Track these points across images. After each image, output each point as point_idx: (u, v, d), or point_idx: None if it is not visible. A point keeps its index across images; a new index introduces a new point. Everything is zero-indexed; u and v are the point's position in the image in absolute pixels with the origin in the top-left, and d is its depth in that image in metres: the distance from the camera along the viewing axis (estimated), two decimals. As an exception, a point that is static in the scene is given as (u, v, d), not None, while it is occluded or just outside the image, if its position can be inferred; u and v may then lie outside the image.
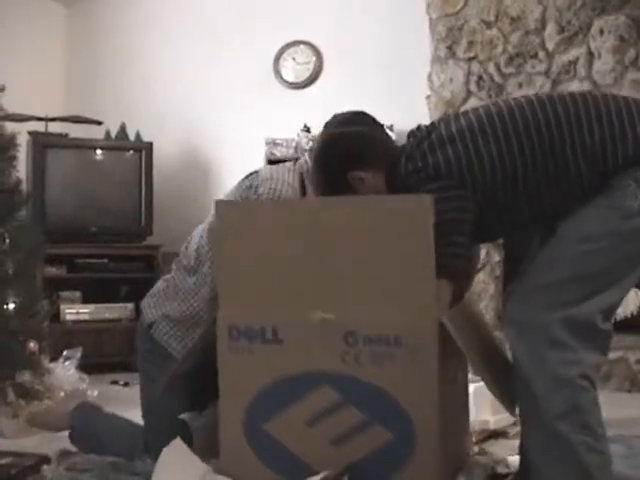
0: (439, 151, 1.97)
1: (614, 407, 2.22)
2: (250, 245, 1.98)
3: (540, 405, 1.85)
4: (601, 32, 4.91)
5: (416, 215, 1.84)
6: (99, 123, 5.61)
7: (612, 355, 4.24)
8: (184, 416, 2.29)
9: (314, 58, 5.67)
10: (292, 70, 5.71)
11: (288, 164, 2.56)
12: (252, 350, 1.96)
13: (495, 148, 1.95)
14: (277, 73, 5.67)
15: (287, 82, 5.66)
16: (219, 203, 2.12)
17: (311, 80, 5.62)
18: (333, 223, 1.91)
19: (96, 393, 3.57)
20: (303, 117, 5.17)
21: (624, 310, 4.33)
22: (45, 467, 2.48)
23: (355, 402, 1.89)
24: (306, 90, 5.58)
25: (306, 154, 2.60)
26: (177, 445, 2.09)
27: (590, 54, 4.86)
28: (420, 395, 1.85)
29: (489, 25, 5.02)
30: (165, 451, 2.07)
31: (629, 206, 1.88)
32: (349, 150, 2.07)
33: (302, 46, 5.71)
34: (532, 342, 1.87)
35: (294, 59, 5.74)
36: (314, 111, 4.93)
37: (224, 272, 2.03)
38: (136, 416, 2.84)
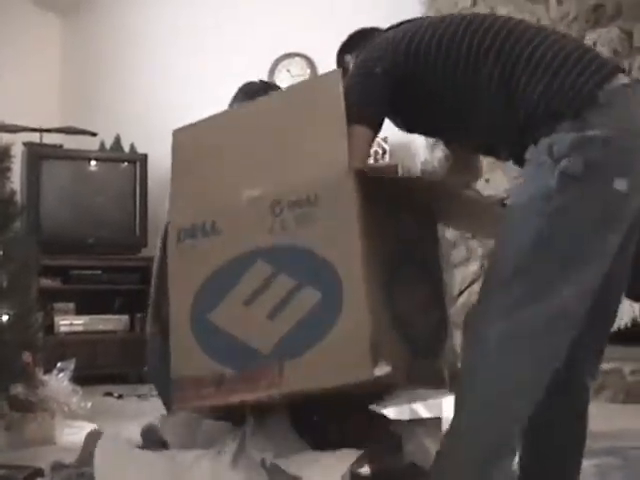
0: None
1: (609, 418, 2.22)
2: (194, 158, 2.09)
3: (461, 417, 1.76)
4: (594, 44, 4.93)
5: (324, 86, 1.93)
6: (94, 134, 5.62)
7: (606, 366, 4.25)
8: (154, 420, 2.29)
9: (308, 70, 5.69)
10: (287, 82, 5.72)
11: None
12: (195, 246, 1.99)
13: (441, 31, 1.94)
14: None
15: (282, 94, 5.68)
16: (174, 131, 2.21)
17: (306, 92, 5.63)
18: (256, 115, 2.03)
19: (89, 405, 3.56)
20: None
21: (617, 321, 4.34)
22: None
23: (286, 269, 1.86)
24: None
25: None
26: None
27: (583, 66, 4.87)
28: (344, 250, 1.80)
29: (483, 37, 5.04)
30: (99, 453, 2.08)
31: (547, 186, 1.72)
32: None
33: (297, 58, 5.74)
34: (472, 358, 1.78)
35: (289, 71, 5.75)
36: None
37: (173, 186, 2.11)
38: (129, 427, 2.83)
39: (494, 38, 1.86)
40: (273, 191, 1.90)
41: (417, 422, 2.33)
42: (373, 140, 1.98)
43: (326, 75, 2.01)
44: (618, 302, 2.03)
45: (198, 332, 1.96)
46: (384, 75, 1.96)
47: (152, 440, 2.67)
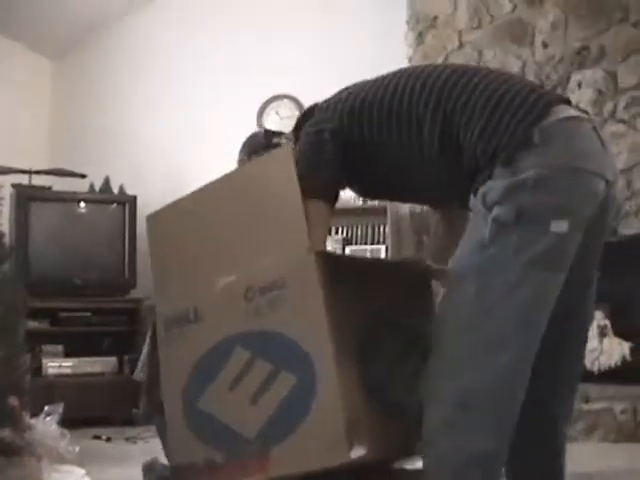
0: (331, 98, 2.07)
1: (600, 458, 2.21)
2: (169, 245, 2.14)
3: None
4: (579, 86, 4.99)
5: (277, 168, 1.92)
6: (83, 176, 5.63)
7: (597, 405, 4.25)
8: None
9: (297, 112, 5.72)
10: (275, 124, 5.75)
11: None
12: (182, 335, 2.03)
13: (381, 91, 1.96)
14: (260, 126, 5.72)
15: (270, 135, 5.71)
16: (147, 218, 2.27)
17: (294, 133, 5.66)
18: (218, 199, 2.05)
19: (77, 449, 3.53)
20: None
21: (608, 360, 4.34)
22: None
23: (262, 354, 1.88)
24: (289, 143, 5.63)
25: None
26: None
27: (569, 107, 4.92)
28: (312, 330, 1.81)
29: (469, 79, 5.09)
30: None
31: (481, 236, 1.70)
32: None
33: (286, 100, 5.78)
34: (428, 419, 1.75)
35: (277, 113, 5.80)
36: (297, 164, 4.97)
37: (155, 274, 2.17)
38: (118, 471, 2.81)
39: (430, 91, 1.85)
40: (245, 277, 1.93)
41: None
42: (330, 212, 1.96)
43: (277, 151, 2.06)
44: (580, 343, 1.99)
45: (190, 419, 2.01)
46: (332, 138, 1.93)
47: (154, 474, 2.67)
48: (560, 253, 1.69)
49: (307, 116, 2.13)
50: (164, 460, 2.67)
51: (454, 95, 1.82)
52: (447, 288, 1.81)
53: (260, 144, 2.81)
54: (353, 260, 1.91)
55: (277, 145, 2.84)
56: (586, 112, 1.85)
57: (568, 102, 1.84)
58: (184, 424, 2.01)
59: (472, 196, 1.76)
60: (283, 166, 1.89)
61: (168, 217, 2.19)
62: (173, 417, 2.05)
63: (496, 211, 1.67)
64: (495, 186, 1.69)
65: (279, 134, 2.91)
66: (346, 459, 1.76)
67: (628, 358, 4.32)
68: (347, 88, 2.08)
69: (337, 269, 1.85)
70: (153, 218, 2.27)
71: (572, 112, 1.78)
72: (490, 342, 1.68)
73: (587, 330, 2.00)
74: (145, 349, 2.73)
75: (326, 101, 2.07)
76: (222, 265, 1.98)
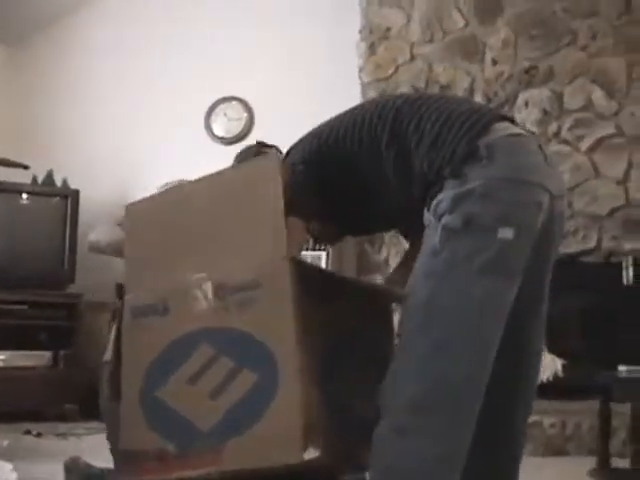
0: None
1: (529, 472, 2.24)
2: (145, 234, 2.16)
3: None
4: (526, 104, 5.09)
5: (259, 173, 1.99)
6: (26, 167, 5.55)
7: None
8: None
9: (245, 114, 5.74)
10: (223, 125, 5.76)
11: None
12: (148, 324, 2.06)
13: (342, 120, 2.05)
14: (208, 128, 5.72)
15: (218, 137, 5.71)
16: (128, 206, 2.27)
17: (242, 136, 5.67)
18: (199, 198, 2.09)
19: (5, 443, 3.49)
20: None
21: (540, 375, 4.42)
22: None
23: (226, 352, 1.93)
24: (237, 146, 5.62)
25: None
26: None
27: (515, 125, 5.01)
28: (279, 333, 1.87)
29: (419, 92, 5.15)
30: None
31: (432, 244, 1.76)
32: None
33: (234, 102, 5.79)
34: (382, 422, 1.78)
35: (225, 114, 5.79)
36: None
37: (128, 262, 2.17)
38: (46, 467, 2.79)
39: (386, 117, 1.93)
40: (216, 275, 1.97)
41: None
42: (306, 228, 2.06)
43: (264, 158, 2.14)
44: (535, 352, 2.02)
45: (146, 407, 2.03)
46: (306, 171, 2.03)
47: (77, 475, 2.65)
48: (508, 259, 1.75)
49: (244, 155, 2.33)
50: (88, 459, 2.67)
51: (405, 122, 1.90)
52: (405, 294, 1.86)
53: (253, 153, 2.86)
54: (321, 272, 1.97)
55: None
56: (532, 132, 1.93)
57: (512, 120, 1.91)
58: (139, 412, 2.03)
59: (426, 211, 1.81)
60: (268, 172, 1.95)
61: (148, 208, 2.22)
62: (129, 404, 2.06)
63: (445, 219, 1.74)
64: (444, 197, 1.76)
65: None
66: (299, 459, 1.80)
67: (560, 374, 4.40)
68: (314, 131, 2.15)
69: (308, 279, 1.90)
70: (133, 207, 2.28)
71: (516, 130, 1.85)
72: (441, 344, 1.72)
73: (541, 348, 2.03)
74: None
75: (289, 148, 2.17)
76: (194, 261, 2.02)
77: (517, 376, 1.96)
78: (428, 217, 1.80)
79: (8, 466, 3.25)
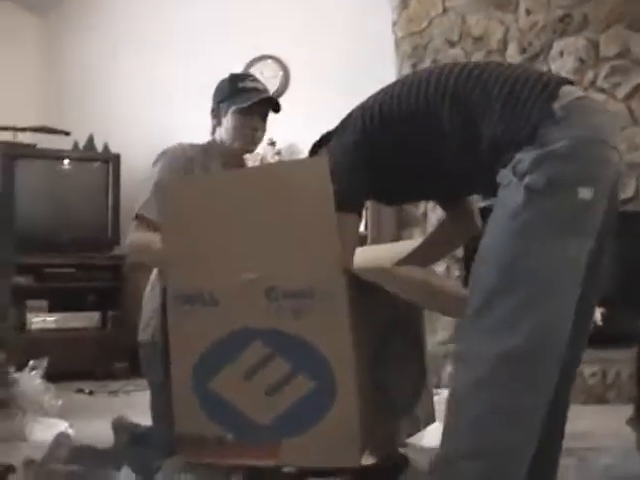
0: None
1: (569, 419, 2.30)
2: (188, 217, 2.14)
3: (453, 440, 1.81)
4: (561, 54, 5.04)
5: (313, 176, 1.98)
6: (67, 134, 5.65)
7: (567, 368, 4.37)
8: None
9: (281, 72, 5.77)
10: (260, 85, 5.79)
11: None
12: (195, 313, 2.08)
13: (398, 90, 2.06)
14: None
15: (255, 96, 5.73)
16: (171, 182, 2.33)
17: (278, 94, 5.68)
18: (253, 189, 2.07)
19: (60, 402, 3.62)
20: (269, 131, 5.24)
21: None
22: (11, 476, 2.52)
23: (281, 354, 2.00)
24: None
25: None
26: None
27: (551, 75, 4.98)
28: (337, 343, 1.95)
29: (453, 44, 5.14)
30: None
31: (514, 203, 1.78)
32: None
33: (269, 60, 5.81)
34: (461, 380, 1.81)
35: (262, 73, 5.79)
36: (280, 125, 5.02)
37: (169, 245, 2.17)
38: (99, 424, 2.90)
39: (445, 86, 1.95)
40: (269, 277, 2.01)
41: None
42: (359, 222, 2.10)
43: (314, 160, 2.13)
44: (592, 312, 2.09)
45: (200, 396, 2.10)
46: (358, 152, 2.04)
47: (124, 434, 2.74)
48: (587, 219, 1.80)
49: (323, 141, 2.23)
50: (134, 417, 2.77)
51: (468, 88, 1.93)
52: (479, 254, 1.87)
53: (227, 90, 2.87)
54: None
55: (243, 89, 2.87)
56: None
57: (572, 83, 1.95)
58: (193, 400, 2.10)
59: (502, 170, 1.84)
60: (318, 176, 1.96)
61: (192, 191, 2.19)
62: (182, 390, 2.12)
63: (528, 179, 1.77)
64: (524, 157, 1.79)
65: (244, 77, 2.94)
66: (357, 464, 1.97)
67: (599, 323, 4.42)
68: (361, 105, 2.15)
69: (359, 288, 1.98)
70: (178, 184, 2.30)
71: (581, 92, 1.91)
72: (525, 302, 1.76)
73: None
74: (146, 308, 2.76)
75: (343, 121, 2.16)
76: (244, 259, 2.05)
77: (580, 325, 1.98)
78: (506, 174, 1.82)
79: (64, 424, 3.38)
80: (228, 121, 2.84)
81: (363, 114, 2.09)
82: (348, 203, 2.01)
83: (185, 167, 2.76)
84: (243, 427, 2.05)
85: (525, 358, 1.75)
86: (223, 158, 2.87)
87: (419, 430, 2.40)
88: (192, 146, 2.88)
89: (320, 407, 1.97)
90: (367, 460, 2.05)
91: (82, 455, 2.55)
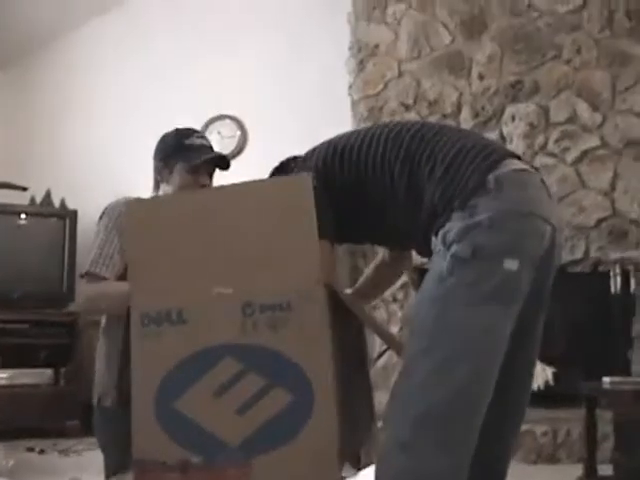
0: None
1: (520, 478, 2.34)
2: (154, 237, 2.08)
3: None
4: (513, 118, 5.19)
5: (293, 193, 1.99)
6: (24, 189, 5.65)
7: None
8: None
9: (239, 132, 5.84)
10: (217, 143, 5.85)
11: None
12: (160, 334, 2.02)
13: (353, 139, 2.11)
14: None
15: (213, 154, 5.79)
16: (130, 202, 2.26)
17: (236, 153, 5.76)
18: (224, 208, 2.04)
19: (10, 463, 3.57)
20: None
21: (532, 384, 4.50)
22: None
23: (255, 369, 1.95)
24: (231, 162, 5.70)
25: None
26: None
27: (503, 138, 5.12)
28: (315, 355, 1.93)
29: (408, 108, 5.26)
30: None
31: (440, 271, 1.84)
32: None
33: (227, 120, 5.89)
34: (385, 441, 1.88)
35: (219, 133, 5.89)
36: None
37: (134, 265, 2.11)
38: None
39: (402, 141, 2.01)
40: (245, 292, 1.98)
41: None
42: (333, 250, 2.12)
43: (297, 179, 2.10)
44: (529, 382, 2.10)
45: (163, 418, 2.01)
46: (322, 190, 2.06)
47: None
48: (512, 288, 1.84)
49: (281, 169, 2.29)
50: (90, 475, 2.75)
51: (420, 149, 1.99)
52: (410, 318, 1.94)
53: (173, 146, 2.80)
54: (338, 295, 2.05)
55: (191, 147, 2.84)
56: (536, 168, 2.02)
57: (518, 157, 2.01)
58: (155, 423, 2.01)
59: (433, 238, 1.90)
60: (301, 193, 1.96)
61: (156, 209, 2.15)
62: (142, 414, 2.03)
63: (454, 248, 1.83)
64: (453, 227, 1.85)
65: (190, 133, 2.85)
66: (337, 477, 1.93)
67: (551, 383, 4.49)
68: (322, 142, 2.21)
69: (336, 303, 2.01)
70: (137, 204, 2.25)
71: (522, 165, 1.96)
72: (445, 364, 1.80)
73: (534, 361, 2.11)
74: (99, 369, 2.74)
75: (305, 154, 2.21)
76: (218, 274, 2.01)
77: (513, 387, 2.02)
78: (436, 243, 1.88)
79: (13, 485, 3.35)
80: (175, 178, 2.79)
81: (318, 155, 2.13)
82: (324, 229, 2.01)
83: None
84: (211, 449, 1.97)
85: (438, 422, 1.80)
86: None
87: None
88: None
89: (297, 420, 1.93)
90: (348, 472, 2.05)
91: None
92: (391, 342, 2.39)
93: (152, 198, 2.45)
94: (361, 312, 2.22)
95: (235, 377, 1.97)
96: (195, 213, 2.07)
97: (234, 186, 2.09)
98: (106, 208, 2.77)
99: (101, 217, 2.78)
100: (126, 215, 2.20)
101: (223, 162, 2.84)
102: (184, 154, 2.78)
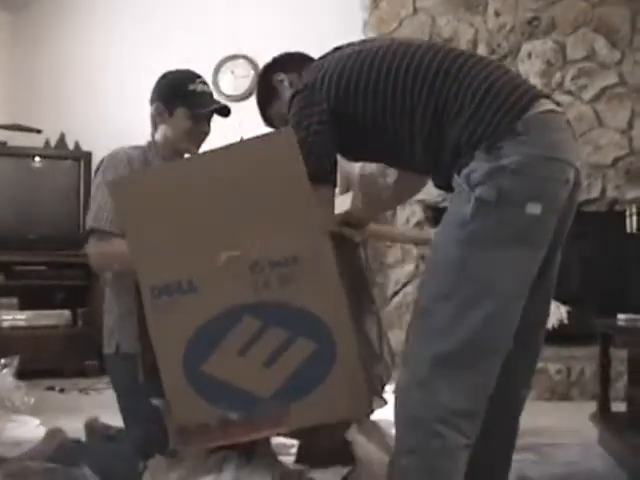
0: (318, 69, 2.12)
1: (532, 416, 2.35)
2: (148, 211, 2.10)
3: (396, 438, 1.90)
4: (529, 55, 5.13)
5: (283, 150, 1.99)
6: (38, 131, 5.65)
7: (533, 366, 4.45)
8: (156, 402, 2.37)
9: (252, 72, 5.79)
10: (230, 83, 5.83)
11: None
12: (174, 304, 2.06)
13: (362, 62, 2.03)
14: (216, 85, 5.77)
15: (225, 95, 5.76)
16: (114, 182, 2.29)
17: (249, 93, 5.73)
18: (218, 172, 2.05)
19: (32, 400, 3.64)
20: (240, 129, 5.28)
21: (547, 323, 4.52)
22: (-17, 473, 2.55)
23: (275, 323, 2.02)
24: (243, 103, 5.68)
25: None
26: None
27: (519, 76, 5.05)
28: (328, 303, 2.00)
29: (423, 46, 5.19)
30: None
31: (464, 213, 1.83)
32: (274, 59, 2.48)
33: (241, 60, 5.84)
34: (403, 378, 1.90)
35: (232, 72, 5.85)
36: (251, 124, 5.05)
37: (134, 240, 2.13)
38: (71, 422, 2.92)
39: (424, 77, 1.95)
40: (250, 252, 2.02)
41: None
42: (334, 192, 2.11)
43: (279, 134, 2.11)
44: (544, 320, 2.10)
45: (195, 383, 2.08)
46: (326, 121, 2.03)
47: (96, 434, 2.77)
48: (536, 233, 1.84)
49: (280, 66, 2.36)
50: (104, 416, 2.80)
51: (446, 85, 1.94)
52: (429, 258, 1.95)
53: (172, 87, 2.78)
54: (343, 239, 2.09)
55: (194, 92, 2.77)
56: (558, 104, 1.97)
57: (547, 97, 1.97)
58: (189, 389, 2.08)
59: (455, 176, 1.88)
60: (286, 148, 1.97)
61: (146, 182, 2.16)
62: (174, 382, 2.09)
63: (479, 191, 1.81)
64: (478, 167, 1.83)
65: (193, 77, 2.80)
66: (369, 410, 2.10)
67: (565, 321, 4.50)
68: (328, 57, 2.13)
69: (341, 248, 2.05)
70: (124, 182, 2.25)
71: (550, 106, 1.92)
72: (466, 308, 1.81)
73: (550, 300, 2.10)
74: (107, 318, 2.76)
75: (312, 77, 2.11)
76: (223, 239, 2.04)
77: (528, 326, 2.01)
78: (459, 182, 1.87)
79: (35, 421, 3.41)
80: (175, 122, 2.78)
81: (329, 87, 2.05)
82: (321, 175, 2.02)
83: (129, 169, 2.73)
84: (245, 404, 2.05)
85: (458, 361, 1.82)
86: (165, 159, 2.83)
87: (390, 375, 2.45)
88: (134, 148, 2.85)
89: (323, 365, 2.00)
90: (378, 404, 2.17)
91: (69, 451, 2.59)
92: (410, 239, 2.40)
93: (150, 170, 2.43)
94: (375, 232, 2.24)
95: (256, 334, 2.03)
96: (185, 182, 2.08)
97: (220, 150, 2.09)
98: (103, 159, 2.77)
99: (98, 168, 2.78)
100: (114, 195, 2.20)
101: (224, 110, 2.84)
102: (187, 99, 2.77)
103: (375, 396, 2.18)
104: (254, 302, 2.03)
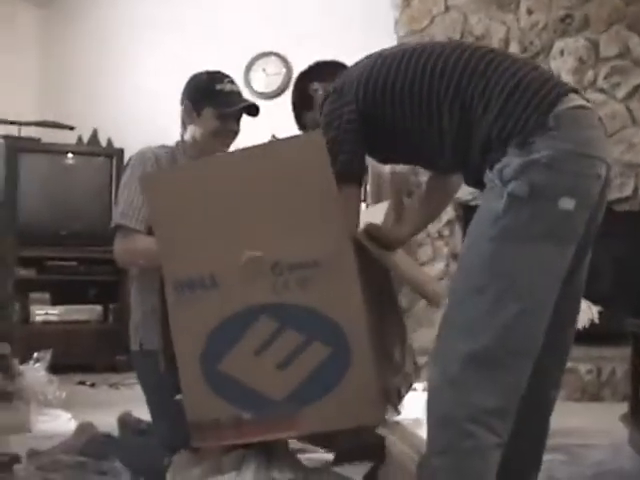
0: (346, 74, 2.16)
1: (562, 416, 2.33)
2: (177, 208, 2.12)
3: (428, 438, 1.89)
4: (561, 53, 5.09)
5: (312, 152, 1.99)
6: (71, 128, 5.70)
7: (563, 366, 4.42)
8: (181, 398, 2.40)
9: (284, 69, 5.81)
10: (262, 81, 5.84)
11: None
12: (195, 299, 2.07)
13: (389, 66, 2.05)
14: (248, 83, 5.79)
15: (257, 92, 5.78)
16: (145, 177, 2.31)
17: (281, 91, 5.75)
18: (246, 171, 2.06)
19: (64, 394, 3.67)
20: (272, 127, 5.30)
21: (577, 323, 4.49)
22: (16, 466, 2.57)
23: (291, 326, 2.02)
24: (275, 100, 5.70)
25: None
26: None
27: (550, 74, 5.03)
28: (346, 309, 2.00)
29: (454, 43, 5.17)
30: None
31: (496, 208, 1.82)
32: (310, 66, 2.50)
33: (273, 57, 5.86)
34: (434, 377, 1.89)
35: (264, 70, 5.87)
36: (282, 121, 5.06)
37: (163, 234, 2.15)
38: (102, 417, 2.95)
39: (450, 77, 1.95)
40: (272, 253, 2.02)
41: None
42: (360, 192, 2.12)
43: (309, 136, 2.13)
44: (575, 319, 2.10)
45: (211, 380, 2.10)
46: (355, 124, 2.05)
47: (129, 428, 2.80)
48: (568, 229, 1.84)
49: (315, 74, 2.39)
50: (136, 411, 2.83)
51: (472, 83, 1.94)
52: (461, 254, 1.95)
53: (203, 90, 2.81)
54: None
55: (221, 92, 2.80)
56: (587, 100, 1.97)
57: (576, 92, 1.97)
58: (205, 385, 2.10)
59: (488, 171, 1.88)
60: (315, 151, 1.97)
61: (177, 179, 2.18)
62: (190, 377, 2.11)
63: (511, 186, 1.81)
64: (510, 163, 1.83)
65: (221, 78, 2.85)
66: (381, 419, 2.08)
67: (596, 321, 4.47)
68: (360, 64, 2.15)
69: (361, 254, 2.04)
70: (156, 177, 2.30)
71: (581, 102, 1.92)
72: (498, 304, 1.81)
73: (580, 298, 2.10)
74: (134, 314, 2.79)
75: (342, 80, 2.14)
76: (246, 238, 2.05)
77: (559, 325, 2.01)
78: (491, 178, 1.86)
79: (67, 415, 3.44)
80: (204, 122, 2.80)
81: (358, 88, 2.07)
82: (348, 174, 2.04)
83: (157, 168, 2.74)
84: (258, 404, 2.06)
85: (491, 359, 1.81)
86: (193, 158, 2.84)
87: (411, 386, 2.44)
88: (162, 147, 2.87)
89: (338, 370, 2.00)
90: (391, 413, 2.16)
91: (99, 445, 2.62)
92: (423, 291, 2.38)
93: (180, 167, 2.45)
94: (389, 262, 2.23)
95: (273, 335, 2.04)
96: (214, 179, 2.10)
97: (249, 150, 2.10)
98: (131, 157, 2.80)
99: (126, 166, 2.81)
100: (145, 190, 2.23)
101: (253, 109, 2.86)
102: (214, 99, 2.79)
103: (390, 406, 2.16)
104: (273, 302, 2.03)
